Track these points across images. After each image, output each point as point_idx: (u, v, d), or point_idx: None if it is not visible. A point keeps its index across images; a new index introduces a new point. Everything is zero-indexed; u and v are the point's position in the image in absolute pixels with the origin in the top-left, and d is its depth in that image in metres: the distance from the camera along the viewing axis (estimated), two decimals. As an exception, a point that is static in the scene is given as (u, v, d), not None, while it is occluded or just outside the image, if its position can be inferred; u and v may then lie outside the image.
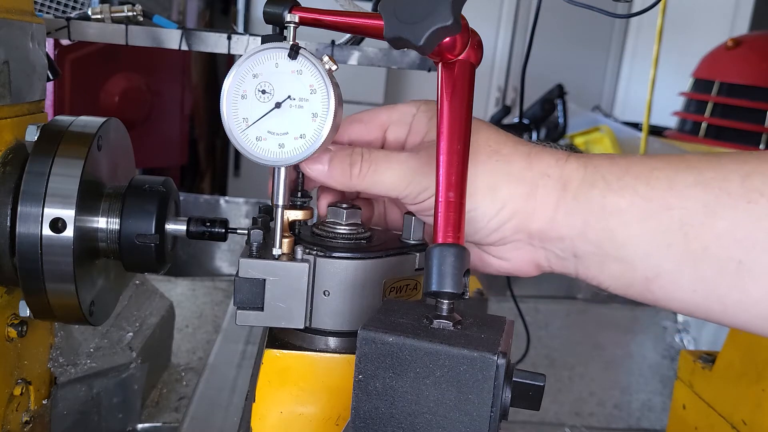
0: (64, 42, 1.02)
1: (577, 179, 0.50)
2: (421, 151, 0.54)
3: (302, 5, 0.53)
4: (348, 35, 0.98)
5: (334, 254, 0.55)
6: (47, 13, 1.40)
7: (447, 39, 0.47)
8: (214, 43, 1.00)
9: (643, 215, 0.48)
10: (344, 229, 0.57)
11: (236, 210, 1.89)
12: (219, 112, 0.51)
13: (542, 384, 0.42)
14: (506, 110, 2.79)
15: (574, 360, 1.52)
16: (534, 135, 2.71)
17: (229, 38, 0.99)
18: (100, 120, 0.66)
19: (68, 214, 0.60)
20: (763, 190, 0.45)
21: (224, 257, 1.85)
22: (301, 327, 0.55)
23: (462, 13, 0.46)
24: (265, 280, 0.53)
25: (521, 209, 0.51)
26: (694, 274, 0.47)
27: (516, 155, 0.52)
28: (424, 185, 0.52)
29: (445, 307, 0.45)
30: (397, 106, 0.59)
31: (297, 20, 0.52)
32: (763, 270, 0.45)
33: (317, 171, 0.54)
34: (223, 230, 0.65)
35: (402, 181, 0.53)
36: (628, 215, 0.48)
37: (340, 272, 0.55)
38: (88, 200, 0.63)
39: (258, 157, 0.51)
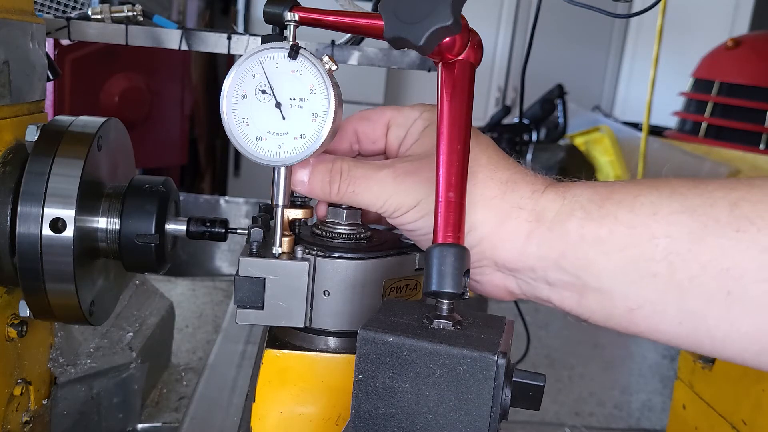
0: (64, 42, 1.01)
1: (553, 210, 0.49)
2: (398, 164, 0.54)
3: (302, 5, 0.53)
4: (348, 35, 0.98)
5: (334, 254, 0.55)
6: (47, 13, 1.40)
7: (447, 39, 0.47)
8: (214, 43, 1.00)
9: (625, 243, 0.46)
10: (344, 229, 0.57)
11: (236, 210, 1.89)
12: (219, 112, 0.51)
13: (542, 384, 0.42)
14: (506, 110, 2.79)
15: (574, 360, 1.52)
16: (534, 135, 2.71)
17: (229, 38, 0.99)
18: (100, 120, 0.66)
19: (68, 214, 0.60)
20: (753, 218, 0.42)
21: (224, 257, 1.85)
22: (301, 326, 0.55)
23: (462, 13, 0.46)
24: (265, 278, 0.53)
25: (488, 237, 0.50)
26: (680, 305, 0.44)
27: (491, 182, 0.51)
28: (399, 203, 0.52)
29: (445, 307, 0.45)
30: (403, 108, 0.59)
31: (297, 20, 0.52)
32: (752, 301, 0.42)
33: (299, 184, 0.55)
34: (223, 230, 0.65)
35: (378, 200, 0.53)
36: (608, 244, 0.46)
37: (340, 272, 0.55)
38: (88, 200, 0.63)
39: (258, 157, 0.51)
